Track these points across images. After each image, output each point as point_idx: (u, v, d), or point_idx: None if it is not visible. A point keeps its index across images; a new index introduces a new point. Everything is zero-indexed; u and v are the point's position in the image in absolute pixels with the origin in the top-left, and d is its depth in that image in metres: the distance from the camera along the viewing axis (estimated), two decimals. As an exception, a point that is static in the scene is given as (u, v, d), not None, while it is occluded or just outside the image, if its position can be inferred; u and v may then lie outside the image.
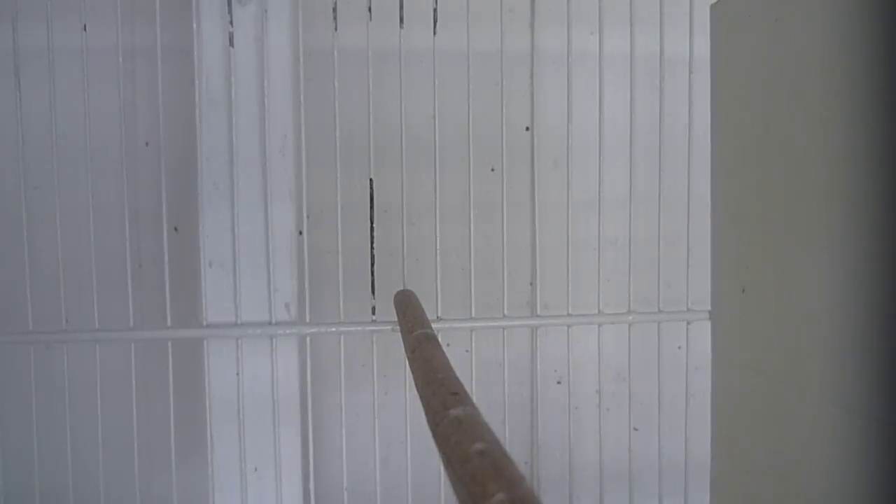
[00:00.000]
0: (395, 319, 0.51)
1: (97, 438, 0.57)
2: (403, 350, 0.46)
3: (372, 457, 0.61)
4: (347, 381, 0.61)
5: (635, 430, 0.65)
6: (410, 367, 0.42)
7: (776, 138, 0.45)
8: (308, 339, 0.62)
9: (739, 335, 0.51)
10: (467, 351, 0.60)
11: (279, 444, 0.61)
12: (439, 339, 0.47)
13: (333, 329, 0.60)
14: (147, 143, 0.67)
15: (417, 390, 0.37)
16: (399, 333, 0.50)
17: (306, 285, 0.62)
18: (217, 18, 0.60)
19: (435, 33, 0.59)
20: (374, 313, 0.60)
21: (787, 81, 0.44)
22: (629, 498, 0.65)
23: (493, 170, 0.65)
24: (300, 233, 0.61)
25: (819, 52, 0.40)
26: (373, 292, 0.60)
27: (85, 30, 0.57)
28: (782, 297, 0.44)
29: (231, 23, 0.59)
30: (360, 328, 0.60)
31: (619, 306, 0.63)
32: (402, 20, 0.59)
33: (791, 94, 0.43)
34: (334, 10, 0.59)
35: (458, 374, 0.37)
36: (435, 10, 0.59)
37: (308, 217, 0.60)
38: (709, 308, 0.58)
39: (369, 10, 0.59)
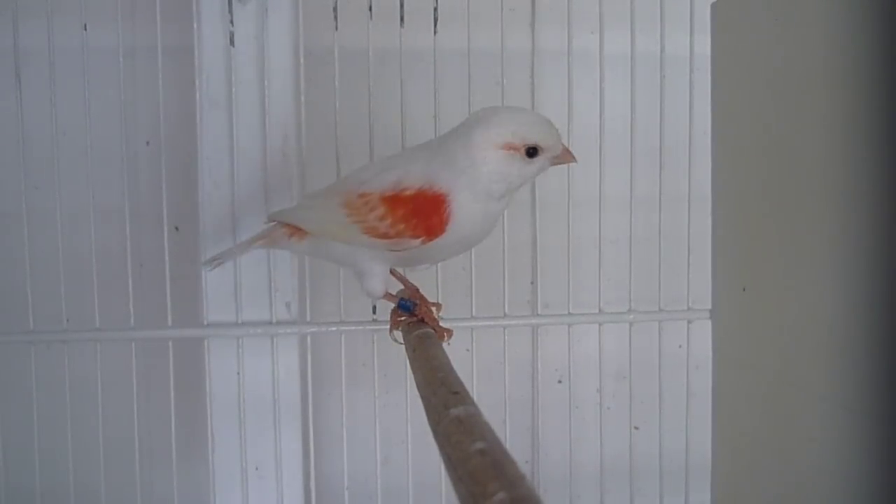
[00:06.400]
0: (396, 319, 0.52)
1: (98, 438, 0.57)
2: (404, 349, 0.46)
3: (373, 456, 0.61)
4: (348, 381, 0.61)
5: (636, 429, 0.65)
6: (411, 366, 0.42)
7: (776, 138, 0.45)
8: (309, 338, 0.62)
9: (739, 335, 0.51)
10: (468, 350, 0.60)
11: (280, 443, 0.61)
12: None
13: (334, 328, 0.60)
14: (148, 143, 0.67)
15: (418, 389, 0.37)
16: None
17: (307, 284, 0.62)
18: (217, 18, 0.60)
19: (435, 32, 0.59)
20: (374, 312, 0.60)
21: (787, 81, 0.44)
22: (630, 497, 0.65)
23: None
24: (301, 232, 0.61)
25: (819, 52, 0.40)
26: (373, 291, 0.60)
27: (85, 29, 0.57)
28: (782, 297, 0.44)
29: (231, 22, 0.59)
30: (360, 327, 0.60)
31: (620, 305, 0.63)
32: (402, 19, 0.59)
33: (791, 94, 0.43)
34: (335, 9, 0.59)
35: (459, 373, 0.37)
36: (435, 9, 0.59)
37: (309, 216, 0.60)
38: (709, 307, 0.58)
39: (370, 9, 0.59)
